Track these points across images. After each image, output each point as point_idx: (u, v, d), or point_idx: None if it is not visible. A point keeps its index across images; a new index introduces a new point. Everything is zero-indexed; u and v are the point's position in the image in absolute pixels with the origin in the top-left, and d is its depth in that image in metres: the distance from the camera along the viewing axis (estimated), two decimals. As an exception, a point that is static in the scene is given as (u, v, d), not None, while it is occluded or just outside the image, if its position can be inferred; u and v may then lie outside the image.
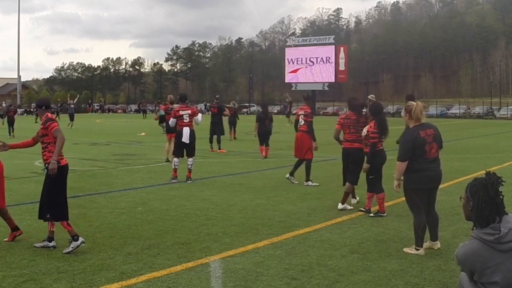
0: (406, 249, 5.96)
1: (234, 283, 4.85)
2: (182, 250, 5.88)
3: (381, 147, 7.81)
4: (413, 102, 5.98)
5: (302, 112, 10.76)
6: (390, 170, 11.54)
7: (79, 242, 5.75)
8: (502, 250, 3.08)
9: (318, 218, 7.53)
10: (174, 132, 11.96)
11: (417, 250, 5.87)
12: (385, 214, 7.67)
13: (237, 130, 24.08)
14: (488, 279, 3.12)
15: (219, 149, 17.53)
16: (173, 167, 11.03)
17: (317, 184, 10.40)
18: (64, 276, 5.01)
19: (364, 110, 8.76)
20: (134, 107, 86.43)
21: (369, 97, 18.95)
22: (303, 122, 10.63)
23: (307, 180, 10.46)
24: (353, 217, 7.65)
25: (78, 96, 36.76)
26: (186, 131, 10.89)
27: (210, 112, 19.38)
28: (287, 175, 10.79)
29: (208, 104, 63.68)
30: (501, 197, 3.21)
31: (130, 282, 4.89)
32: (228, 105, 24.04)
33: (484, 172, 3.55)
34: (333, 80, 54.11)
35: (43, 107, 6.27)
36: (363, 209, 7.95)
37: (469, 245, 3.22)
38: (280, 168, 13.22)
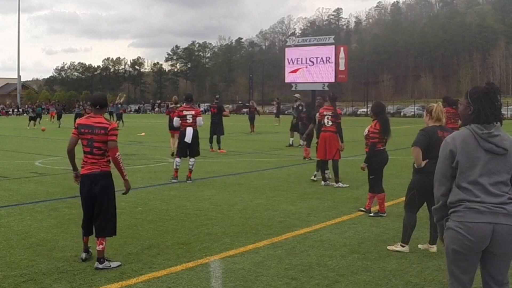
0: (390, 247, 5.98)
1: (234, 283, 4.86)
2: (182, 250, 5.88)
3: (381, 148, 7.79)
4: (434, 104, 5.94)
5: (329, 113, 10.42)
6: (391, 170, 11.57)
7: (83, 256, 5.46)
8: (484, 147, 3.17)
9: (318, 218, 7.53)
10: (176, 129, 12.01)
11: (403, 247, 5.89)
12: (385, 214, 7.67)
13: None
14: (467, 177, 3.18)
15: (219, 149, 17.53)
16: (174, 167, 11.04)
17: (347, 185, 10.21)
18: (64, 276, 5.01)
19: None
20: (134, 107, 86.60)
21: (296, 96, 19.81)
22: (330, 123, 10.39)
23: (337, 181, 10.28)
24: (353, 217, 7.65)
25: (125, 95, 35.57)
26: (189, 131, 10.92)
27: (210, 112, 19.36)
28: (323, 183, 10.41)
29: (207, 104, 63.73)
30: (500, 103, 3.31)
31: (130, 282, 4.89)
32: (248, 104, 24.59)
33: None
34: (333, 80, 54.02)
35: (97, 106, 5.48)
36: (363, 209, 7.96)
37: (459, 132, 3.32)
38: (280, 168, 13.22)
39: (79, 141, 5.46)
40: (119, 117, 32.50)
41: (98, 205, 5.33)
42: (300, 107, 18.30)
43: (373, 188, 7.81)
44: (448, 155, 3.25)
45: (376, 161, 7.74)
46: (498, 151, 3.16)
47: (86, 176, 5.35)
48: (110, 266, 5.29)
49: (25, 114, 67.35)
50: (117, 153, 5.30)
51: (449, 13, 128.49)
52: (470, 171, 3.17)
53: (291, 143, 18.97)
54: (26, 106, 52.03)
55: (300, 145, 18.20)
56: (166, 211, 8.04)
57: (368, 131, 7.82)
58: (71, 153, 5.46)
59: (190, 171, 10.95)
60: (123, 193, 5.49)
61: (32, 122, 33.93)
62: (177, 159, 11.03)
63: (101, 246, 5.28)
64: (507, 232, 3.10)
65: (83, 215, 5.47)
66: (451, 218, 3.24)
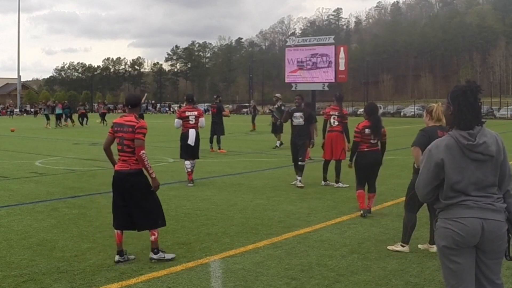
0: (390, 247, 5.98)
1: (234, 283, 4.86)
2: (182, 250, 5.88)
3: (365, 149, 7.67)
4: (434, 105, 5.92)
5: (336, 113, 10.44)
6: (391, 170, 11.58)
7: (116, 259, 5.52)
8: (470, 157, 3.12)
9: (318, 218, 7.53)
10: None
11: (403, 246, 5.90)
12: (361, 212, 7.58)
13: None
14: (454, 186, 3.12)
15: (219, 149, 17.52)
16: (186, 171, 10.66)
17: (347, 185, 10.12)
18: (64, 276, 5.01)
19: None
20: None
21: (276, 95, 19.89)
22: (336, 123, 10.40)
23: (338, 181, 10.27)
24: (353, 217, 7.65)
25: (146, 94, 35.31)
26: (192, 133, 10.62)
27: (210, 113, 19.36)
28: (323, 183, 10.43)
29: (207, 104, 63.76)
30: (480, 103, 3.24)
31: (130, 282, 4.89)
32: (249, 104, 24.74)
33: None
34: (333, 80, 53.96)
35: (129, 106, 5.70)
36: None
37: (443, 139, 3.24)
38: (280, 168, 13.21)
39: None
40: (141, 117, 32.98)
41: (131, 203, 5.44)
42: (283, 107, 18.34)
43: (356, 185, 7.77)
44: (433, 167, 3.17)
45: (359, 162, 7.69)
46: (484, 158, 3.12)
47: (116, 172, 5.55)
48: (165, 257, 5.48)
49: (25, 114, 67.57)
50: (142, 151, 5.39)
51: (449, 13, 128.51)
52: (458, 181, 3.12)
53: (281, 142, 18.88)
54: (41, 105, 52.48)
55: (276, 146, 18.24)
56: (166, 211, 7.96)
57: (354, 131, 7.86)
58: (106, 151, 5.68)
59: (191, 171, 10.82)
60: (152, 191, 5.58)
61: (48, 121, 34.07)
62: (187, 163, 10.65)
63: (153, 237, 5.49)
64: (495, 228, 3.08)
65: (114, 210, 5.57)
66: (440, 217, 3.22)
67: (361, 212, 7.61)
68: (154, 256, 5.48)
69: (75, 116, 37.34)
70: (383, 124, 7.83)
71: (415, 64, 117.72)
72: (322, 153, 10.67)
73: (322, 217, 7.59)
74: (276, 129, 18.89)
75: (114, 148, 5.71)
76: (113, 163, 5.69)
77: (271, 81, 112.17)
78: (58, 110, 35.00)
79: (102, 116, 37.71)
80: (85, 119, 36.05)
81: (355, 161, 7.75)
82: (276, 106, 19.41)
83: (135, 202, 5.44)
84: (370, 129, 7.65)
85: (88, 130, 30.73)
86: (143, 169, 5.49)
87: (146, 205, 5.48)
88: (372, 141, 7.70)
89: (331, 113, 10.52)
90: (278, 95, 20.08)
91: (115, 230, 5.56)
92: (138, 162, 5.43)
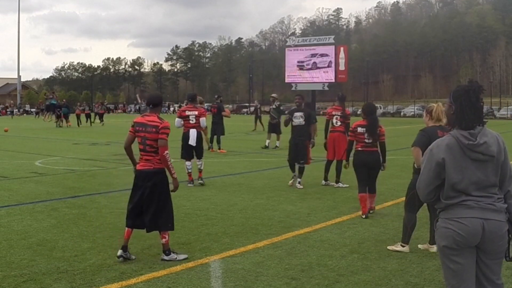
0: (390, 247, 5.98)
1: (234, 283, 4.86)
2: (182, 250, 5.87)
3: (359, 148, 7.65)
4: (434, 105, 5.92)
5: (338, 113, 10.47)
6: (391, 170, 11.57)
7: (119, 253, 5.53)
8: (470, 157, 3.13)
9: (318, 218, 7.53)
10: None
11: (403, 246, 5.90)
12: (364, 216, 7.51)
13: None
14: (455, 186, 3.13)
15: (219, 149, 17.52)
16: (186, 172, 10.56)
17: (347, 185, 10.10)
18: (64, 276, 5.01)
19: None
20: (134, 107, 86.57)
21: (273, 95, 19.93)
22: (339, 123, 10.43)
23: (338, 181, 10.28)
24: (353, 217, 7.65)
25: (141, 92, 35.97)
26: (193, 133, 10.51)
27: (211, 112, 19.38)
28: (323, 182, 10.47)
29: (208, 104, 63.79)
30: (482, 103, 3.23)
31: (130, 282, 4.89)
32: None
33: None
34: (333, 80, 53.92)
35: (151, 106, 5.74)
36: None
37: (444, 139, 3.25)
38: (280, 168, 13.21)
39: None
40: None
41: (148, 201, 5.47)
42: (281, 107, 18.30)
43: (358, 186, 7.75)
44: (435, 167, 3.18)
45: (354, 161, 7.69)
46: (485, 158, 3.12)
47: (139, 171, 5.58)
48: (176, 258, 5.51)
49: (24, 114, 67.52)
50: (166, 152, 5.46)
51: (449, 13, 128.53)
52: (458, 181, 3.12)
53: (267, 144, 18.82)
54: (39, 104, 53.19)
55: (276, 146, 18.22)
56: (166, 211, 8.02)
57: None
58: (127, 150, 5.70)
59: (200, 171, 10.65)
60: (171, 191, 5.62)
61: (47, 114, 34.25)
62: (187, 163, 10.56)
63: (164, 240, 5.52)
64: (496, 228, 3.07)
65: (130, 208, 5.59)
66: (440, 217, 3.23)
67: (364, 216, 7.56)
68: (166, 258, 5.51)
69: (72, 117, 37.20)
70: (380, 124, 7.80)
71: (415, 64, 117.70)
72: (326, 153, 10.67)
73: (322, 217, 7.59)
74: (275, 129, 18.90)
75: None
76: (134, 162, 5.73)
77: (271, 81, 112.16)
78: (53, 101, 35.22)
79: (100, 116, 37.74)
80: (88, 119, 36.05)
81: (352, 161, 7.76)
82: (273, 106, 19.43)
83: (156, 200, 5.47)
84: (364, 128, 7.63)
85: (88, 130, 30.73)
86: (164, 169, 5.55)
87: (164, 205, 5.53)
88: (366, 140, 7.63)
89: (334, 113, 10.51)
90: (274, 95, 20.12)
91: (126, 227, 5.58)
92: (161, 162, 5.49)
